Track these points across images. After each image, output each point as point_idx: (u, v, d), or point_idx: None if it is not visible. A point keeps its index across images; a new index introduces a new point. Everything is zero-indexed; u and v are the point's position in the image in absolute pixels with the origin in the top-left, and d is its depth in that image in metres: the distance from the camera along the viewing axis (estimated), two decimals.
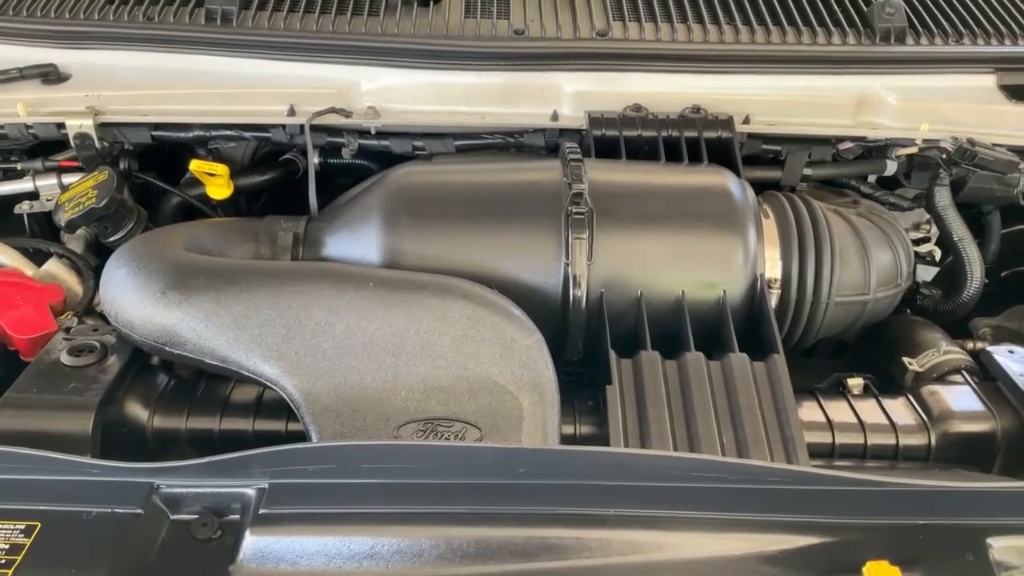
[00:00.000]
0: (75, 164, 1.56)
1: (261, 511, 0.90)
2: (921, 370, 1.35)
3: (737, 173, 1.44)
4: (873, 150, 1.63)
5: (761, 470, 0.99)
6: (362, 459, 0.96)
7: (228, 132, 1.57)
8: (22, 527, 0.89)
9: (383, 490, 0.94)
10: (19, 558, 0.86)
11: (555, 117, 1.57)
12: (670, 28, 1.66)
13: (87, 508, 0.91)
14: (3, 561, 0.86)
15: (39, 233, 1.60)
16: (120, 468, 0.94)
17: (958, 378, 1.34)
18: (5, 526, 0.89)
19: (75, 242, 1.53)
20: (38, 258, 1.48)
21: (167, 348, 1.19)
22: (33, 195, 1.58)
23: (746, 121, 1.58)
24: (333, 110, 1.52)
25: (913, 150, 1.57)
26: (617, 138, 1.52)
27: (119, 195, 1.42)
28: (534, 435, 1.12)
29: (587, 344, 1.33)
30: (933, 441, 1.26)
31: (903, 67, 1.65)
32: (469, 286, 1.22)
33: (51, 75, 1.58)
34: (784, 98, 1.61)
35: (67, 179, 1.56)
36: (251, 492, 0.92)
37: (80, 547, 0.89)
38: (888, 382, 1.40)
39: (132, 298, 1.20)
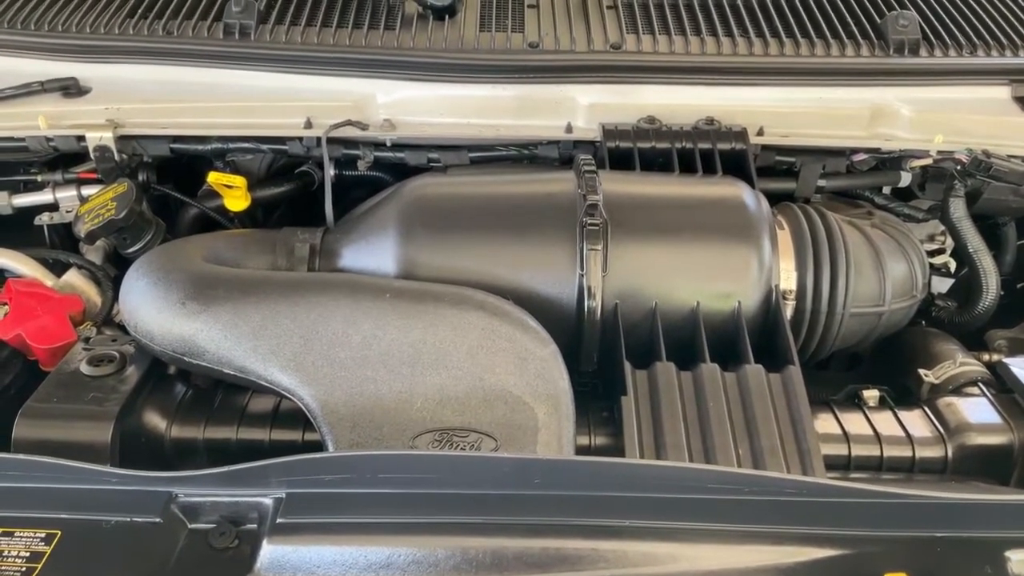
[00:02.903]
0: (94, 176, 1.58)
1: (278, 520, 0.91)
2: (937, 382, 1.35)
3: (751, 184, 1.44)
4: (887, 161, 1.63)
5: (777, 482, 0.99)
6: (379, 469, 0.96)
7: (245, 144, 1.58)
8: (42, 535, 0.90)
9: (399, 500, 0.94)
10: (39, 566, 0.87)
11: (569, 129, 1.58)
12: (683, 40, 1.67)
13: (106, 517, 0.92)
14: (24, 569, 0.87)
15: (59, 244, 1.62)
16: (139, 477, 0.95)
17: (974, 390, 1.33)
18: (26, 534, 0.90)
19: (94, 253, 1.54)
20: (58, 269, 1.49)
21: (186, 358, 1.20)
22: (53, 207, 1.60)
23: (760, 133, 1.58)
24: (349, 123, 1.53)
25: (927, 161, 1.56)
26: (631, 150, 1.52)
27: (138, 207, 1.43)
28: (549, 446, 1.12)
29: (602, 355, 1.33)
30: (950, 453, 1.25)
31: (917, 79, 1.65)
32: (484, 297, 1.23)
33: (72, 88, 1.60)
34: (798, 110, 1.61)
35: (87, 191, 1.57)
36: (268, 501, 0.93)
37: (99, 556, 0.90)
38: (904, 394, 1.39)
39: (152, 309, 1.21)
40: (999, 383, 1.35)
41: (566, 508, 0.93)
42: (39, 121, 1.52)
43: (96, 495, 0.94)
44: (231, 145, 1.58)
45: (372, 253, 1.34)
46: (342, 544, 0.90)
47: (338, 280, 1.27)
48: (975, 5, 1.81)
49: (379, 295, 1.20)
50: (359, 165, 1.59)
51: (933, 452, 1.26)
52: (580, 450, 1.19)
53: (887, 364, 1.50)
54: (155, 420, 1.23)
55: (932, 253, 1.59)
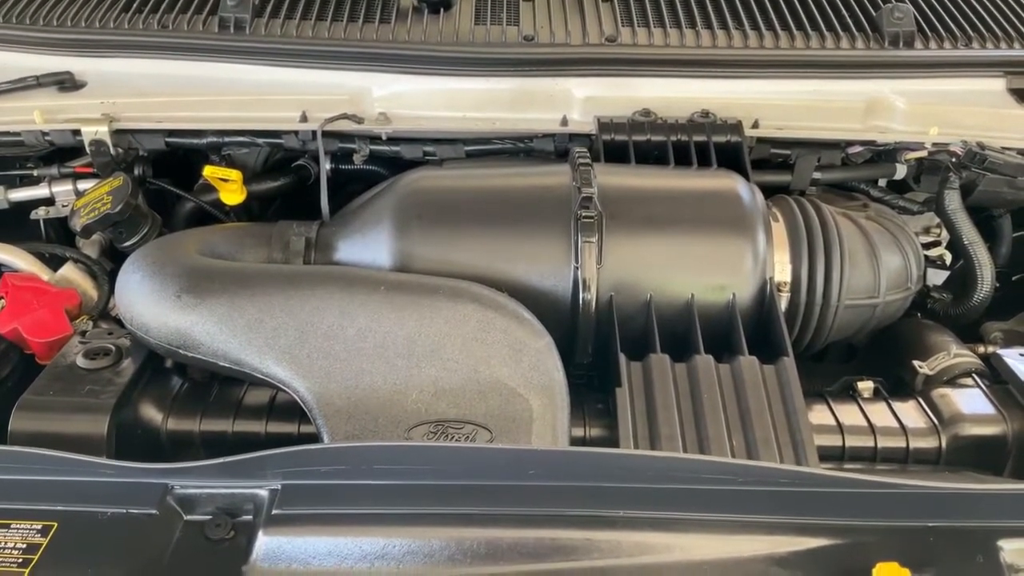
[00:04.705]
0: (90, 170, 1.58)
1: (274, 512, 0.91)
2: (931, 373, 1.35)
3: (746, 177, 1.45)
4: (882, 154, 1.63)
5: (771, 471, 1.00)
6: (374, 460, 0.96)
7: (241, 138, 1.58)
8: (39, 527, 0.90)
9: (395, 491, 0.94)
10: (36, 557, 0.88)
11: (565, 122, 1.58)
12: (679, 33, 1.67)
13: (103, 508, 0.92)
14: (20, 560, 0.87)
15: (55, 238, 1.62)
16: (135, 469, 0.95)
17: (968, 381, 1.33)
18: (22, 526, 0.90)
19: (90, 247, 1.55)
20: (54, 263, 1.50)
21: (181, 351, 1.20)
22: (49, 201, 1.60)
23: (755, 125, 1.58)
24: (345, 116, 1.54)
25: (923, 154, 1.56)
26: (626, 143, 1.52)
27: (134, 201, 1.43)
28: (544, 437, 1.13)
29: (597, 347, 1.33)
30: (943, 444, 1.25)
31: (912, 71, 1.66)
32: (480, 289, 1.23)
33: (67, 83, 1.60)
34: (793, 102, 1.62)
35: (82, 185, 1.57)
36: (264, 493, 0.93)
37: (96, 547, 0.90)
38: (898, 385, 1.40)
39: (147, 301, 1.21)
40: (993, 374, 1.35)
41: (561, 499, 0.94)
42: (35, 115, 1.53)
43: (92, 487, 0.95)
44: (227, 139, 1.58)
45: (367, 246, 1.34)
46: (337, 535, 0.90)
47: (333, 273, 1.27)
48: None
49: (374, 288, 1.21)
50: (355, 159, 1.60)
51: (927, 443, 1.26)
52: (575, 441, 1.20)
53: (882, 356, 1.50)
54: (151, 413, 1.24)
55: (927, 245, 1.59)
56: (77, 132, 1.53)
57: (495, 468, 0.97)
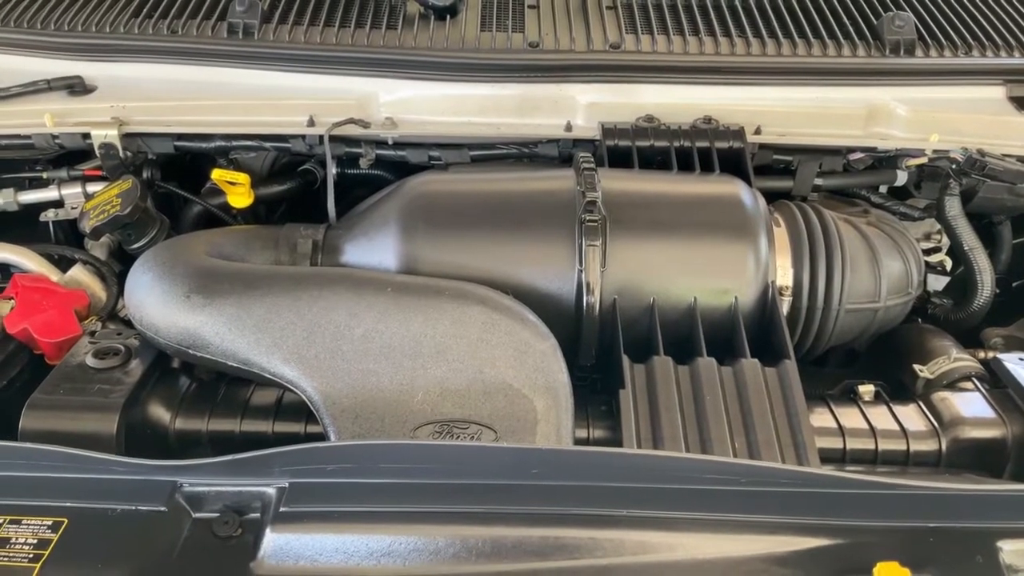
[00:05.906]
0: (99, 173, 1.59)
1: (281, 509, 0.92)
2: (932, 377, 1.36)
3: (748, 183, 1.46)
4: (883, 160, 1.64)
5: (773, 472, 1.00)
6: (381, 458, 0.97)
7: (249, 142, 1.60)
8: (49, 523, 0.91)
9: (401, 489, 0.95)
10: (46, 553, 0.89)
11: (569, 128, 1.59)
12: (682, 40, 1.69)
13: (112, 505, 0.93)
14: (31, 555, 0.88)
15: (64, 240, 1.63)
16: (145, 466, 0.96)
17: (969, 385, 1.34)
18: (33, 522, 0.91)
19: (99, 249, 1.56)
20: (63, 264, 1.51)
21: (190, 351, 1.21)
22: (58, 203, 1.61)
23: (757, 132, 1.59)
24: (352, 121, 1.55)
25: (923, 160, 1.58)
26: (630, 148, 1.53)
27: (143, 203, 1.45)
28: (548, 438, 1.13)
29: (601, 349, 1.34)
30: (944, 447, 1.26)
31: (913, 79, 1.67)
32: (485, 291, 1.24)
33: (77, 87, 1.61)
34: (795, 109, 1.63)
35: (91, 188, 1.59)
36: (271, 491, 0.94)
37: (105, 543, 0.91)
38: (899, 389, 1.40)
39: (157, 302, 1.23)
40: (993, 379, 1.36)
41: (564, 498, 0.94)
42: (45, 119, 1.54)
43: (102, 484, 0.96)
44: (234, 143, 1.59)
45: (374, 249, 1.35)
46: (344, 532, 0.91)
47: (341, 274, 1.28)
48: (970, 6, 1.83)
49: (381, 289, 1.22)
50: (361, 163, 1.61)
51: (927, 446, 1.27)
52: (579, 442, 1.20)
53: (883, 360, 1.51)
54: (159, 412, 1.25)
55: (928, 251, 1.60)
56: (87, 135, 1.54)
57: (500, 467, 0.98)
